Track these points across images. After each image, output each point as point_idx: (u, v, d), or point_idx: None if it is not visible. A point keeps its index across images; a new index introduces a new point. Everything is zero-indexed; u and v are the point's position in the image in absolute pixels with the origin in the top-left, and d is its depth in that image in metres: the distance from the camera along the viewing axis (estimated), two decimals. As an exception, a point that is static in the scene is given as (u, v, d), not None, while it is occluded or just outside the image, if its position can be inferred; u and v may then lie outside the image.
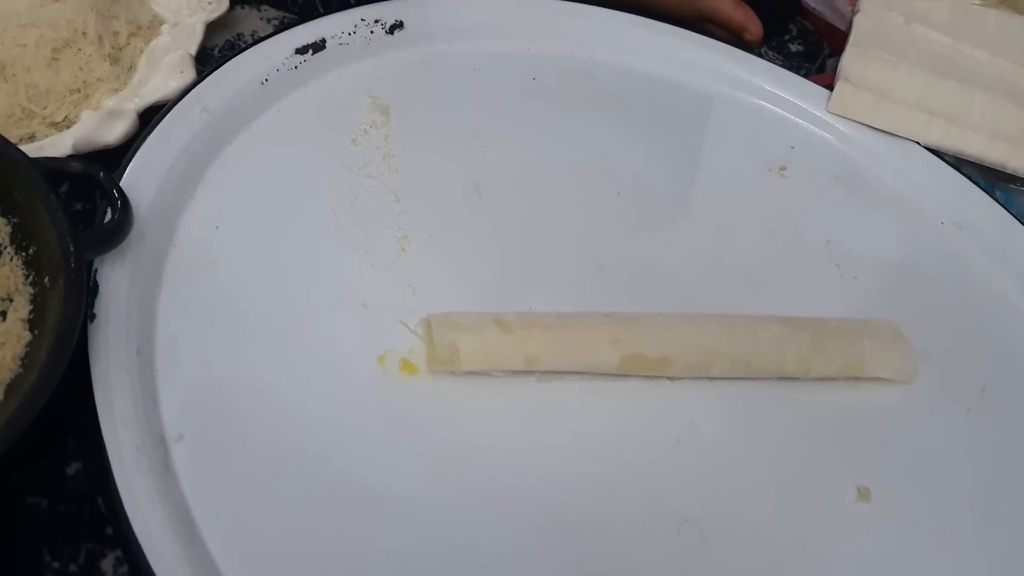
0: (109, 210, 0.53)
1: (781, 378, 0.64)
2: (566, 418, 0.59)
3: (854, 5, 0.92)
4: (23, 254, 0.51)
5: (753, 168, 0.79)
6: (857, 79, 0.85)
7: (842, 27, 0.92)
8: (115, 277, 0.54)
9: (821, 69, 0.94)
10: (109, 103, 0.65)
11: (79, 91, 0.65)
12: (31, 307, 0.49)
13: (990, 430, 0.67)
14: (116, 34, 0.68)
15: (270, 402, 0.54)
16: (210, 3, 0.73)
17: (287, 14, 0.78)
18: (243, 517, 0.50)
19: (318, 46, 0.71)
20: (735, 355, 0.63)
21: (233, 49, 0.72)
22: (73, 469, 0.50)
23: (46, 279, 0.49)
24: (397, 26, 0.75)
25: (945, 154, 0.83)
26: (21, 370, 0.47)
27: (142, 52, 0.70)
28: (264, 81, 0.68)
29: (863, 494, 0.61)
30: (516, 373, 0.59)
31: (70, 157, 0.60)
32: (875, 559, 0.59)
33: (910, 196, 0.81)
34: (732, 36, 0.87)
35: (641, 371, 0.61)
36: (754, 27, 0.85)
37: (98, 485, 0.49)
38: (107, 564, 0.48)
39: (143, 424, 0.50)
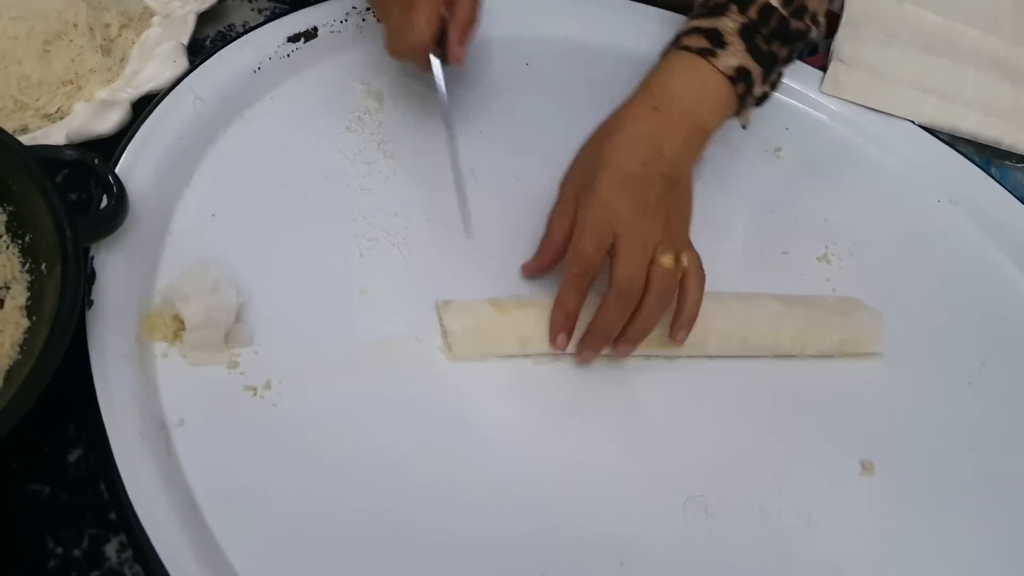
0: (105, 197, 0.53)
1: (779, 356, 0.65)
2: (566, 399, 0.59)
3: (845, -15, 0.92)
4: (19, 242, 0.51)
5: (749, 149, 0.79)
6: (850, 59, 0.85)
7: (834, 8, 0.92)
8: (112, 264, 0.54)
9: (814, 51, 0.94)
10: (102, 94, 0.65)
11: (71, 82, 0.64)
12: (29, 294, 0.49)
13: (992, 403, 0.68)
14: (107, 26, 0.68)
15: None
16: (201, -7, 0.73)
17: (278, 4, 0.78)
18: (246, 499, 0.50)
19: (310, 34, 0.71)
20: (731, 332, 0.63)
21: (225, 39, 0.72)
22: (74, 455, 0.50)
23: (43, 266, 0.49)
24: (389, 13, 0.75)
25: (940, 132, 0.83)
26: (20, 357, 0.47)
27: (134, 43, 0.69)
28: (257, 70, 0.68)
29: (867, 468, 0.61)
30: (514, 355, 0.59)
31: (65, 146, 0.60)
32: (880, 531, 0.59)
33: (906, 174, 0.81)
34: None
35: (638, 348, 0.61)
36: None
37: (100, 471, 0.49)
38: (111, 549, 0.48)
39: (144, 410, 0.50)
